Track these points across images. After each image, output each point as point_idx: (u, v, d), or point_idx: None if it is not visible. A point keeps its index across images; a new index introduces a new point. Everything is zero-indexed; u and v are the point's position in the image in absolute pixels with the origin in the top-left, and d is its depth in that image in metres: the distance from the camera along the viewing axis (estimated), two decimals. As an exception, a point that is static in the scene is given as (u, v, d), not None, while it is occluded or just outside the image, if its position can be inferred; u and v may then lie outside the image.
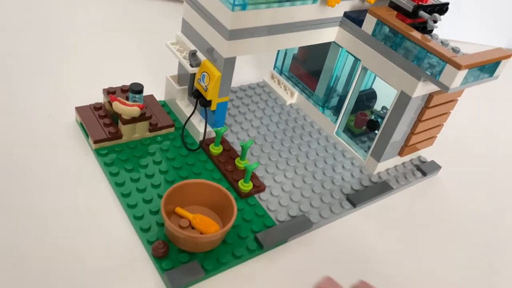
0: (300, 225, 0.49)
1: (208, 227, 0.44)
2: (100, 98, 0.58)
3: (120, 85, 0.58)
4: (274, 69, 0.72)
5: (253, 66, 0.78)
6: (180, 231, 0.41)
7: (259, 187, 0.51)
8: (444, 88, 0.47)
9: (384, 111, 0.64)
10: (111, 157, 0.51)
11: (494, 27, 1.09)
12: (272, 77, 0.72)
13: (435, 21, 0.52)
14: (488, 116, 0.82)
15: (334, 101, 0.65)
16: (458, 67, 0.45)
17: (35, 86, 0.61)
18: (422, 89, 0.51)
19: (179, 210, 0.46)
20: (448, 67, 0.46)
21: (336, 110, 0.64)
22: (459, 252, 0.53)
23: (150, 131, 0.55)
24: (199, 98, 0.54)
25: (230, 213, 0.44)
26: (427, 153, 0.64)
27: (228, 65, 0.51)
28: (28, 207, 0.45)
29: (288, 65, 0.70)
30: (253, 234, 0.47)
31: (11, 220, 0.44)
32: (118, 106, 0.51)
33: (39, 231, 0.43)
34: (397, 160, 0.61)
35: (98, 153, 0.51)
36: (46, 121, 0.56)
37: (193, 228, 0.45)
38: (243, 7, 0.46)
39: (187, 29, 0.55)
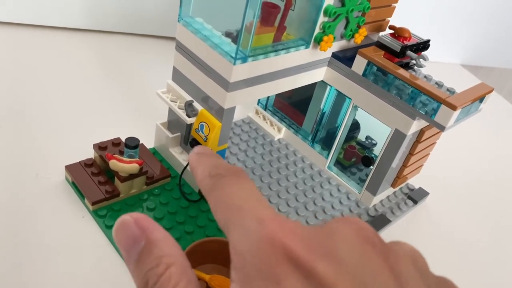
0: (312, 271, 0.49)
1: (227, 288, 0.43)
2: (87, 152, 0.55)
3: (104, 135, 0.56)
4: (258, 104, 0.72)
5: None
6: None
7: (266, 235, 0.51)
8: (440, 128, 0.49)
9: (369, 141, 0.66)
10: (111, 218, 0.49)
11: (449, 45, 1.14)
12: (257, 112, 0.71)
13: (424, 59, 0.55)
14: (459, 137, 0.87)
15: (322, 135, 0.66)
16: (453, 108, 0.47)
17: (16, 143, 0.57)
18: (416, 126, 0.53)
19: (194, 271, 0.44)
20: (443, 108, 0.48)
21: (325, 144, 0.65)
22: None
23: (147, 184, 0.53)
24: (197, 148, 0.52)
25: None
26: (412, 179, 0.66)
27: (228, 114, 0.50)
28: (27, 280, 0.42)
29: (272, 100, 0.71)
30: None
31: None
32: (117, 165, 0.49)
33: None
34: (389, 191, 0.62)
35: (97, 214, 0.49)
36: (33, 181, 0.52)
37: (211, 289, 0.43)
38: (244, 60, 0.46)
39: (179, 78, 0.54)
